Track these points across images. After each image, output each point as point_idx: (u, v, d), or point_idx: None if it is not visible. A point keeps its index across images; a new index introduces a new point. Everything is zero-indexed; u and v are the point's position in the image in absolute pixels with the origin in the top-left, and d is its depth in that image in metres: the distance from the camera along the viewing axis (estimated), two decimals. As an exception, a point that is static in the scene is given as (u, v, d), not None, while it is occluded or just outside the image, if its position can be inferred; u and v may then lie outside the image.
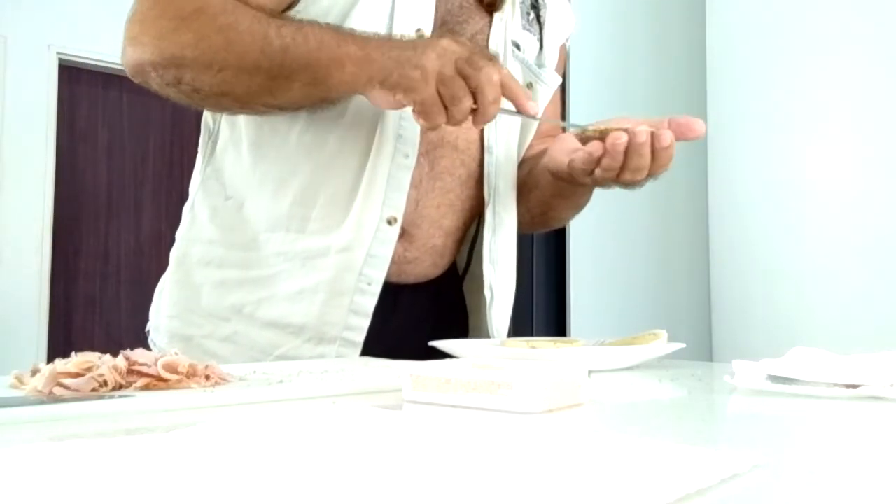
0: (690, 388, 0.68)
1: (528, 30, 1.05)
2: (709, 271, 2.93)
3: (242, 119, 0.97)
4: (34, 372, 0.58)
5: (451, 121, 0.82)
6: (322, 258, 0.92)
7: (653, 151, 0.88)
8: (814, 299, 2.44)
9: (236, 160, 0.98)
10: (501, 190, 1.04)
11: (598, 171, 0.90)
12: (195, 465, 0.33)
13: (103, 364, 0.57)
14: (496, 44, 1.01)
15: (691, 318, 3.04)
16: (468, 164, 1.01)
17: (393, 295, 0.95)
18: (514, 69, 1.02)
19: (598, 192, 1.04)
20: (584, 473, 0.32)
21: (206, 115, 1.03)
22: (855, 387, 0.57)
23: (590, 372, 0.60)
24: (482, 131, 1.02)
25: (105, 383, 0.56)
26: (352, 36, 0.83)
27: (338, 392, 0.60)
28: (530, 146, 1.11)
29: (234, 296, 0.95)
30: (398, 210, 0.93)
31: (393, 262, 0.94)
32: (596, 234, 3.02)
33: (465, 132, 0.99)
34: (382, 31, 0.90)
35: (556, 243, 3.06)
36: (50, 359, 0.58)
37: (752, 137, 2.63)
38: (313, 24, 0.84)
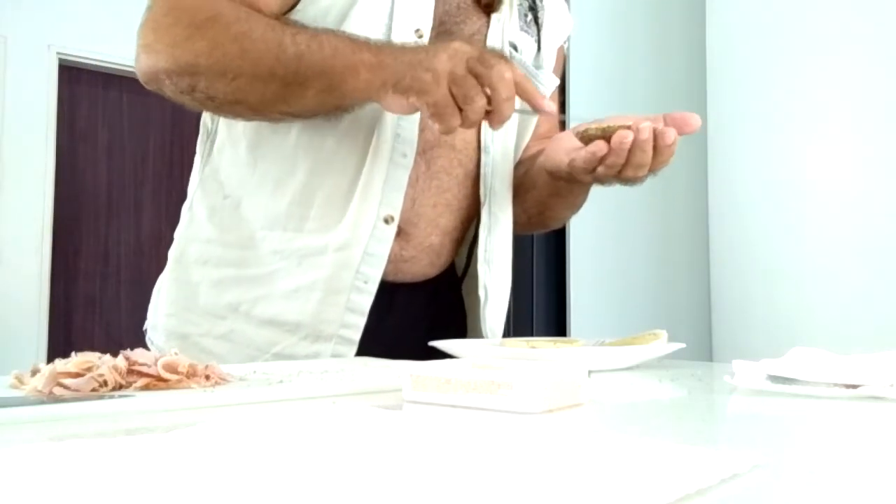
0: (690, 388, 0.68)
1: (526, 31, 1.05)
2: (709, 271, 2.93)
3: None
4: (34, 372, 0.58)
5: (466, 122, 0.81)
6: (319, 256, 0.93)
7: (655, 148, 0.88)
8: (814, 299, 2.44)
9: (234, 160, 0.98)
10: (498, 190, 1.04)
11: (600, 169, 0.90)
12: (195, 465, 0.33)
13: (103, 364, 0.57)
14: (493, 45, 1.01)
15: (691, 318, 3.04)
16: (465, 163, 1.01)
17: (389, 294, 0.96)
18: None
19: (598, 193, 1.04)
20: (584, 473, 0.32)
21: (205, 115, 1.03)
22: (855, 387, 0.57)
23: (590, 372, 0.61)
24: (479, 131, 1.02)
25: (105, 383, 0.56)
26: (366, 44, 0.83)
27: (338, 392, 0.60)
28: (527, 147, 1.11)
29: (231, 294, 0.95)
30: (395, 209, 0.93)
31: (389, 260, 0.94)
32: (596, 234, 3.02)
33: (462, 132, 0.99)
34: (381, 31, 0.91)
35: (556, 243, 3.06)
36: (50, 359, 0.58)
37: (752, 137, 2.63)
38: (328, 31, 0.84)
